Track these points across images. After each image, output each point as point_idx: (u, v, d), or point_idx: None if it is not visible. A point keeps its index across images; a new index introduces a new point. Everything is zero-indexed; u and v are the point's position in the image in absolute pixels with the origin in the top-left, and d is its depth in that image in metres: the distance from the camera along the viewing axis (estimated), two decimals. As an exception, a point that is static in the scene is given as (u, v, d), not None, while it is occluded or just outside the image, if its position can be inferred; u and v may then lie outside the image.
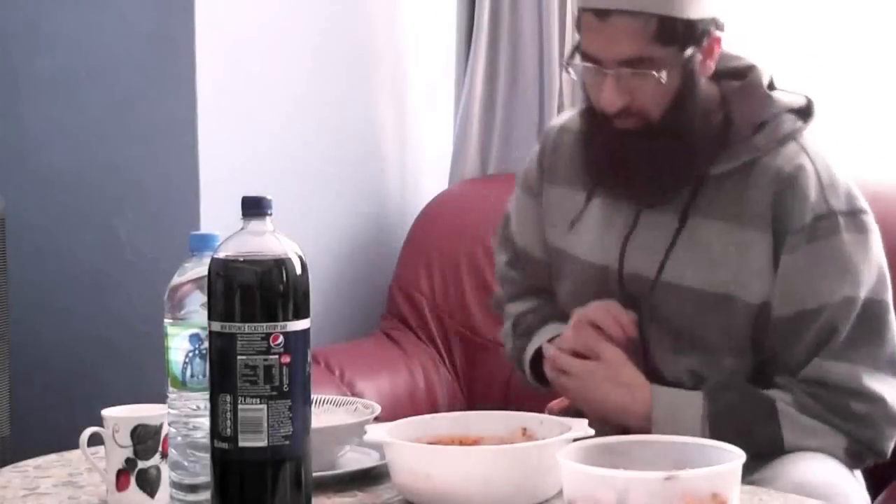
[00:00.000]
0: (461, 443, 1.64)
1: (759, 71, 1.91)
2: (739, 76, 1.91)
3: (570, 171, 2.00)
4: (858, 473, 1.89)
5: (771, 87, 1.91)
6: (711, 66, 1.86)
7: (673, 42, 1.79)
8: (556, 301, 2.04)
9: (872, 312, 1.83)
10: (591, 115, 1.90)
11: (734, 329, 1.86)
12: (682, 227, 1.87)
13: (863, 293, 1.82)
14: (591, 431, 1.55)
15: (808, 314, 1.82)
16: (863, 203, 1.87)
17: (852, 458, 1.82)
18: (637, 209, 1.92)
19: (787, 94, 1.91)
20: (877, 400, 1.81)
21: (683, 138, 1.84)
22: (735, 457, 1.33)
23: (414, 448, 1.57)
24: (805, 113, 1.90)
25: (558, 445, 1.48)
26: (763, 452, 1.74)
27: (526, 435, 1.63)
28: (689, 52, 1.81)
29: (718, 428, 1.77)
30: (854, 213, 1.85)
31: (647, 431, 1.81)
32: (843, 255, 1.82)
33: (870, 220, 1.87)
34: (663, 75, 1.79)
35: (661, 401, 1.83)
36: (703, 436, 1.74)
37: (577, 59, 1.86)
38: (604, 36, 1.80)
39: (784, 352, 1.85)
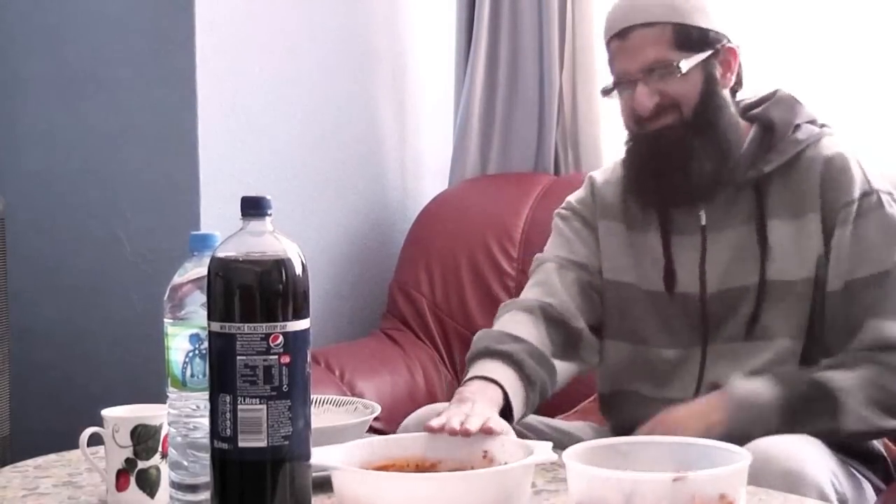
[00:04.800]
0: (417, 467, 1.55)
1: (782, 89, 2.09)
2: (765, 101, 2.08)
3: (618, 211, 2.11)
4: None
5: None
6: (731, 78, 2.03)
7: (689, 47, 1.98)
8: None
9: None
10: (632, 133, 2.06)
11: (794, 313, 1.96)
12: (764, 231, 1.98)
13: None
14: (555, 457, 1.44)
15: (858, 283, 1.93)
16: (888, 185, 2.01)
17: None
18: (702, 234, 2.02)
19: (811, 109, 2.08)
20: None
21: (716, 130, 1.99)
22: (741, 458, 1.33)
23: (358, 475, 1.45)
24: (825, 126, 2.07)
25: (518, 471, 1.43)
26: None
27: (487, 458, 1.55)
28: (706, 53, 1.98)
29: (790, 417, 1.85)
30: (891, 193, 1.99)
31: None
32: (891, 225, 1.95)
33: None
34: (683, 65, 1.96)
35: (735, 394, 1.89)
36: (774, 424, 1.83)
37: (613, 88, 2.04)
38: (628, 52, 2.00)
39: (836, 325, 1.94)
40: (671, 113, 1.99)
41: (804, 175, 1.98)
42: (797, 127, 2.02)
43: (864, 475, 1.91)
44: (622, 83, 2.01)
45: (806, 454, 1.77)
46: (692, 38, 1.97)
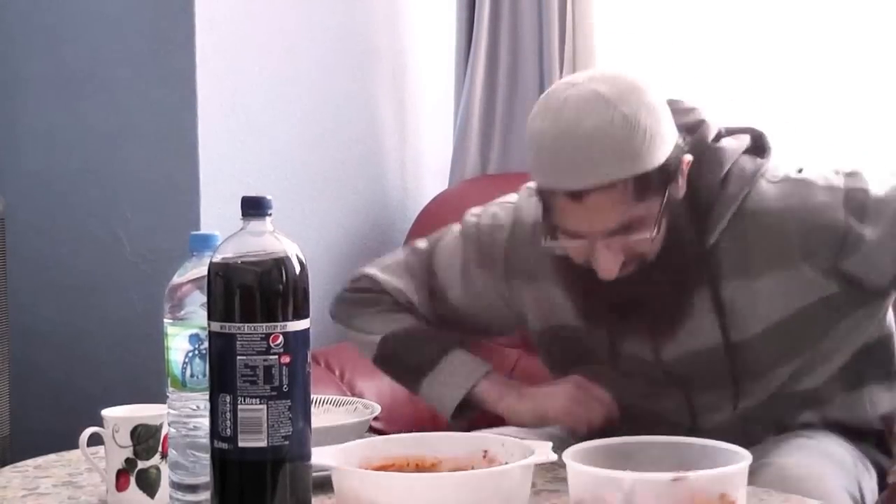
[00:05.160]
0: (417, 467, 1.53)
1: (706, 126, 1.85)
2: (691, 131, 1.84)
3: (542, 265, 1.91)
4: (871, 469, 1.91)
5: (718, 137, 1.86)
6: (684, 184, 1.79)
7: (652, 191, 1.72)
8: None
9: None
10: (578, 272, 1.81)
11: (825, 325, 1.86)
12: (717, 294, 1.82)
13: None
14: (554, 457, 1.44)
15: None
16: (844, 171, 1.85)
17: None
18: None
19: (735, 140, 1.87)
20: None
21: (679, 245, 1.79)
22: (741, 458, 1.33)
23: (358, 475, 1.43)
24: (759, 150, 1.87)
25: (518, 471, 1.42)
26: None
27: (487, 458, 1.52)
28: (667, 189, 1.74)
29: None
30: (852, 175, 1.83)
31: None
32: (888, 205, 1.79)
33: (861, 171, 1.85)
34: (654, 231, 1.73)
35: None
36: None
37: (559, 237, 1.77)
38: (583, 214, 1.72)
39: None
40: (635, 262, 1.76)
41: (757, 233, 1.80)
42: (726, 176, 1.81)
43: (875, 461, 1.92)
44: (576, 241, 1.75)
45: (824, 474, 1.75)
46: (653, 183, 1.71)
